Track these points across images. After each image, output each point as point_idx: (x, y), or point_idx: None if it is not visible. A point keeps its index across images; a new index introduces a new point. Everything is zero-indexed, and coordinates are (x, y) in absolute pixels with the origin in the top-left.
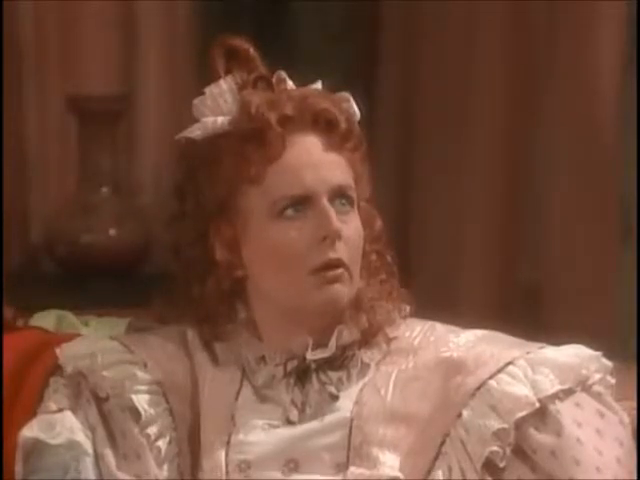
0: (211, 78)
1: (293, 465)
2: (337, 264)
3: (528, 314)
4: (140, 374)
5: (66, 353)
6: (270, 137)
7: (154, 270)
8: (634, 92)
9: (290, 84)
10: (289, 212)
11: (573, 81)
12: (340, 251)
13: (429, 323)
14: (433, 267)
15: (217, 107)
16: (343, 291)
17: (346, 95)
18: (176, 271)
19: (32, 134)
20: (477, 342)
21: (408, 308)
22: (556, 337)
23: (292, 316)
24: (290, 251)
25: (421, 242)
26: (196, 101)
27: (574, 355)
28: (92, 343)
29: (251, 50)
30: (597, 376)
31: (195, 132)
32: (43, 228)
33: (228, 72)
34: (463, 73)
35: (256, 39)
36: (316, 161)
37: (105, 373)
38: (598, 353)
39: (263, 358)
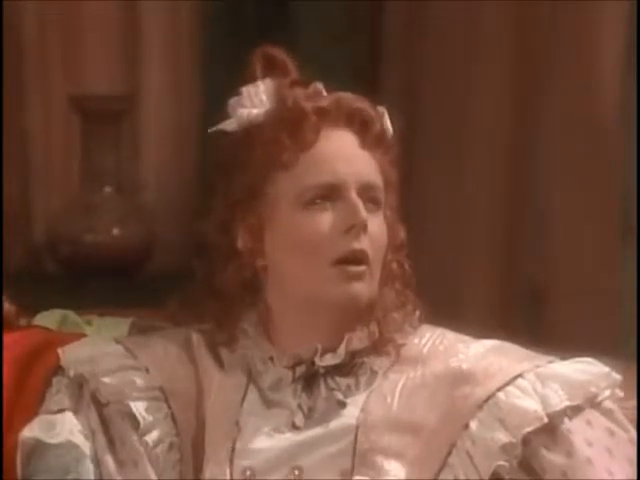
0: (245, 83)
1: (298, 472)
2: (361, 257)
3: (530, 314)
4: (141, 380)
5: (68, 357)
6: (305, 125)
7: (157, 270)
8: (635, 93)
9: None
10: (317, 201)
11: (574, 81)
12: (365, 244)
13: (439, 330)
14: (436, 267)
15: (253, 103)
16: (363, 289)
17: (382, 109)
18: (196, 264)
19: (35, 134)
20: (486, 353)
21: (418, 316)
22: (557, 336)
23: (309, 309)
24: (315, 239)
25: (423, 242)
26: (231, 101)
27: (584, 371)
28: (95, 346)
29: (288, 60)
30: (607, 392)
31: (231, 125)
32: (46, 228)
33: (264, 78)
34: (465, 73)
35: (258, 39)
36: (349, 155)
37: (105, 379)
38: (608, 369)
39: (271, 359)
